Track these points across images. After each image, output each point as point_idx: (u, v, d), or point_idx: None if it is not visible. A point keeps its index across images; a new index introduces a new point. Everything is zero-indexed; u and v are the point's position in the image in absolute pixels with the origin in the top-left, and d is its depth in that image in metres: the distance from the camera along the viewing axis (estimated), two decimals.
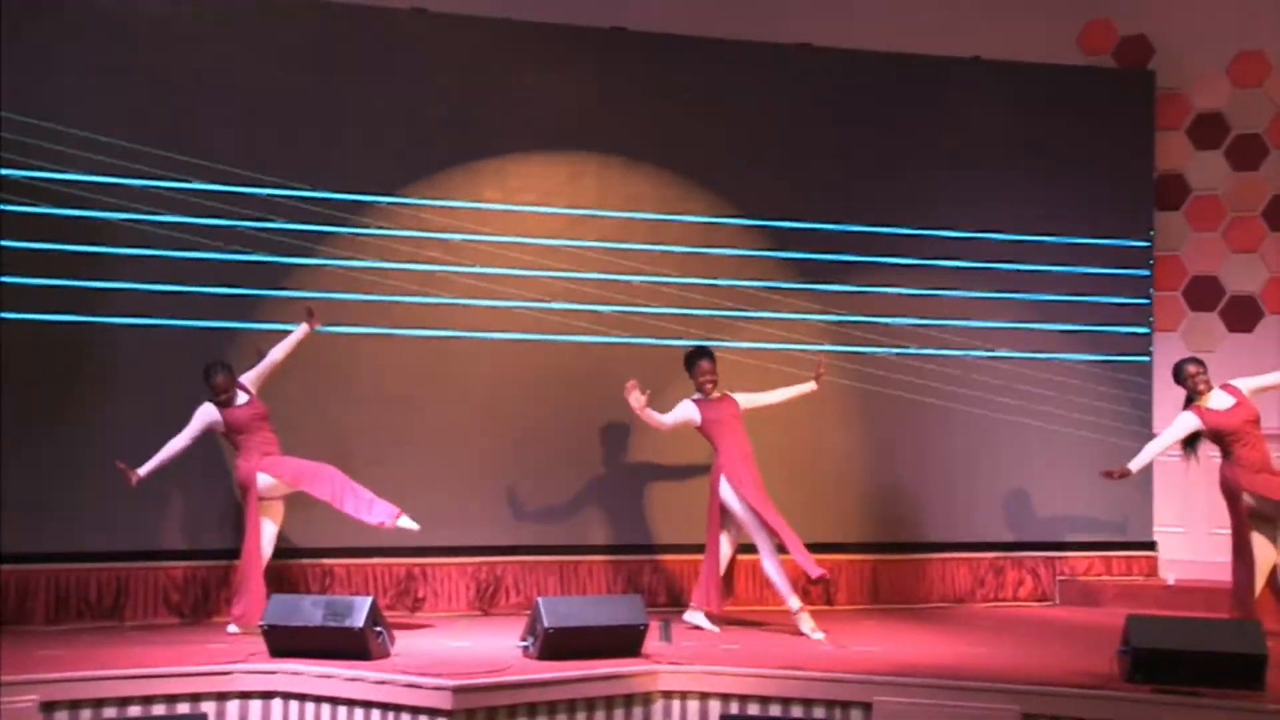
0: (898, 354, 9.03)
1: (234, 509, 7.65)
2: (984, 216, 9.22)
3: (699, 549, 7.60)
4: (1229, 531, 7.33)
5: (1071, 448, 9.22)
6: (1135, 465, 7.46)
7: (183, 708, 5.94)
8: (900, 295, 9.06)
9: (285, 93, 8.14)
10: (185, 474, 7.61)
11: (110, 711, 5.82)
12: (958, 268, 9.15)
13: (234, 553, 7.43)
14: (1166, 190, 9.69)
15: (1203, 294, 9.66)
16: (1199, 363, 7.46)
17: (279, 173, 8.06)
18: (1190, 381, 7.39)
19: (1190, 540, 9.31)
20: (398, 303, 8.25)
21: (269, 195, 8.03)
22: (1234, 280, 9.62)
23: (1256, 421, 7.30)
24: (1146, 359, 9.47)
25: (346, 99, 8.25)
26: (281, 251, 8.05)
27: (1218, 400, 7.36)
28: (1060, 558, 9.24)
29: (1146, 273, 9.54)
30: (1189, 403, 7.45)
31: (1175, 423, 7.47)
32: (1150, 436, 9.32)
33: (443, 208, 8.39)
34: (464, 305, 8.35)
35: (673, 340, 8.54)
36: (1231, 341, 9.56)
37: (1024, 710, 5.71)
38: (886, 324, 9.03)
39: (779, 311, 8.88)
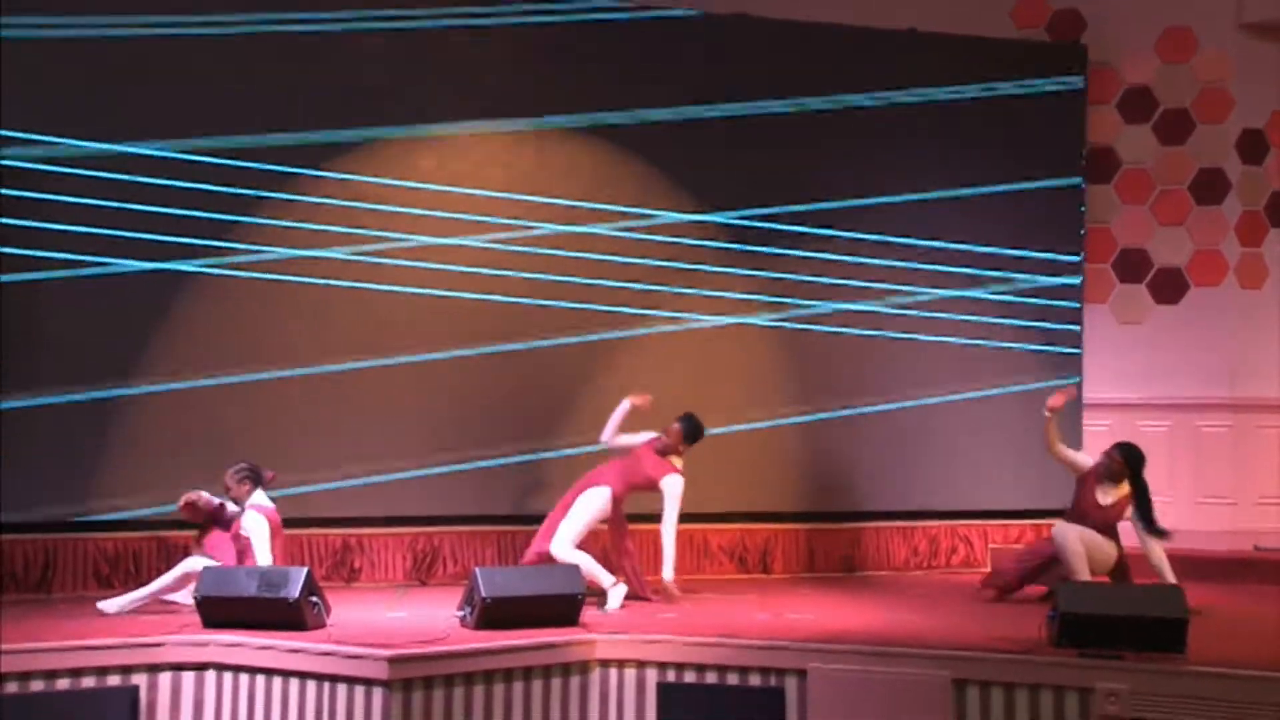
0: (831, 331, 9.10)
1: (164, 478, 7.56)
2: (919, 187, 9.27)
3: (633, 519, 7.64)
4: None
5: (1002, 417, 9.34)
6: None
7: (113, 680, 5.86)
8: (834, 264, 9.10)
9: (218, 60, 7.98)
10: (117, 440, 7.50)
11: (38, 684, 5.74)
12: (891, 237, 9.21)
13: (166, 524, 7.42)
14: (1097, 163, 9.82)
15: (1131, 266, 9.81)
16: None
17: (214, 138, 7.94)
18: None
19: None
20: (333, 267, 8.18)
21: (202, 162, 7.93)
22: (1161, 253, 9.77)
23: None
24: (1077, 328, 9.61)
25: (279, 68, 8.10)
26: (214, 230, 7.96)
27: (1109, 495, 7.49)
28: (992, 526, 9.39)
29: (1077, 250, 9.65)
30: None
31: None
32: (1080, 408, 9.49)
33: (377, 175, 8.31)
34: (398, 270, 8.28)
35: (611, 307, 8.59)
36: (1159, 313, 9.72)
37: (955, 675, 5.80)
38: (825, 283, 9.07)
39: (717, 286, 8.89)
